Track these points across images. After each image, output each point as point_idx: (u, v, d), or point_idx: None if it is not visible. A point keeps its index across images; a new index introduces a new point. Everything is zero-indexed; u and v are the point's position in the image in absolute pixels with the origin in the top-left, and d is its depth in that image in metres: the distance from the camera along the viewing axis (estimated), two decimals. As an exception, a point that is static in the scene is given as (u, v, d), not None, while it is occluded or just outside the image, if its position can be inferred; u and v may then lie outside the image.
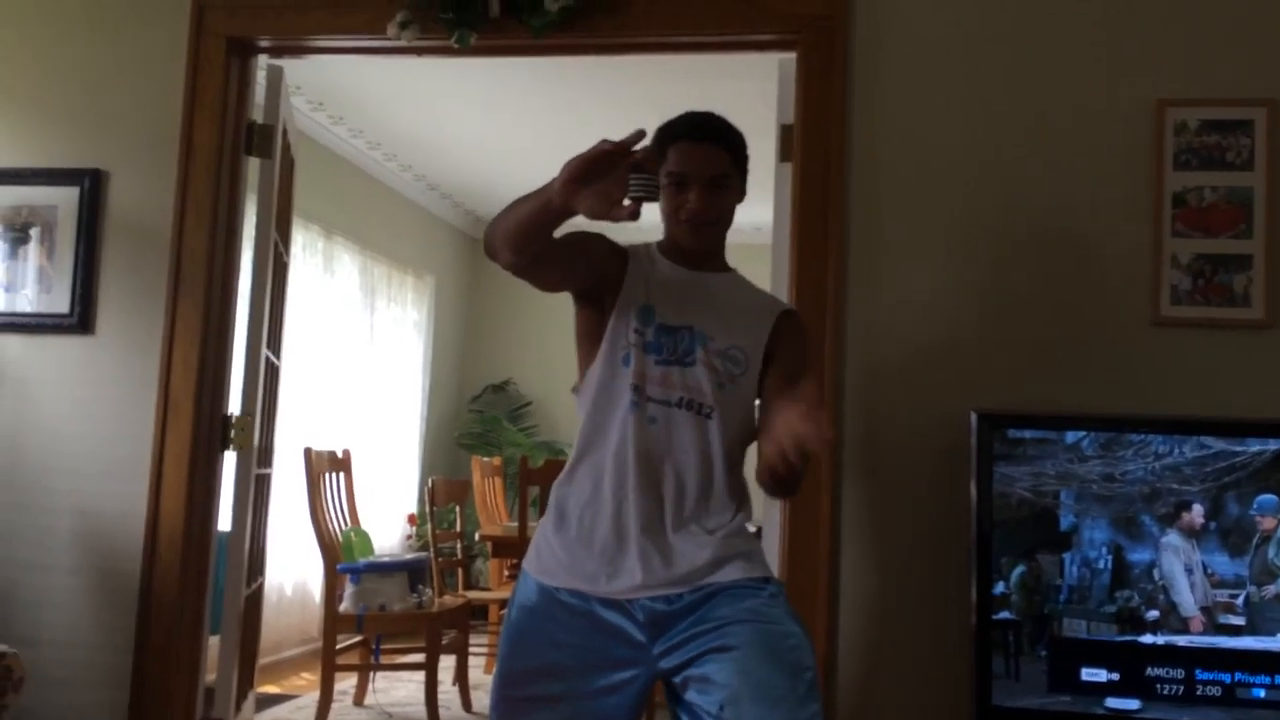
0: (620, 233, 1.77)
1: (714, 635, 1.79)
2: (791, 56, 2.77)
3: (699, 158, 1.92)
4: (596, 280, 1.94)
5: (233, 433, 2.98)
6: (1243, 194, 2.50)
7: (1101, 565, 2.30)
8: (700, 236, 1.97)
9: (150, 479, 2.86)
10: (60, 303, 2.95)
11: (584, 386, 1.98)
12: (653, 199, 1.70)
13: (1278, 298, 2.47)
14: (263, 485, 3.24)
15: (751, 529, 2.00)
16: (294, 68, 3.24)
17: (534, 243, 1.76)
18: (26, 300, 2.98)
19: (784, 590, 1.88)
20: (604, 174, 1.64)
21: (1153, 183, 2.54)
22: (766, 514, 2.74)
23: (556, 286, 1.96)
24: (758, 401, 1.99)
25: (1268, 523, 2.24)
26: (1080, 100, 2.59)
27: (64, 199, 2.97)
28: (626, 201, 1.65)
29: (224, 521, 3.02)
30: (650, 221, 1.85)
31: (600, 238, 1.93)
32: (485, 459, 5.98)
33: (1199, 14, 2.57)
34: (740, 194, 2.00)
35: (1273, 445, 2.26)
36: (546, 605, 1.90)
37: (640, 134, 1.65)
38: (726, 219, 1.99)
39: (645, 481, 1.88)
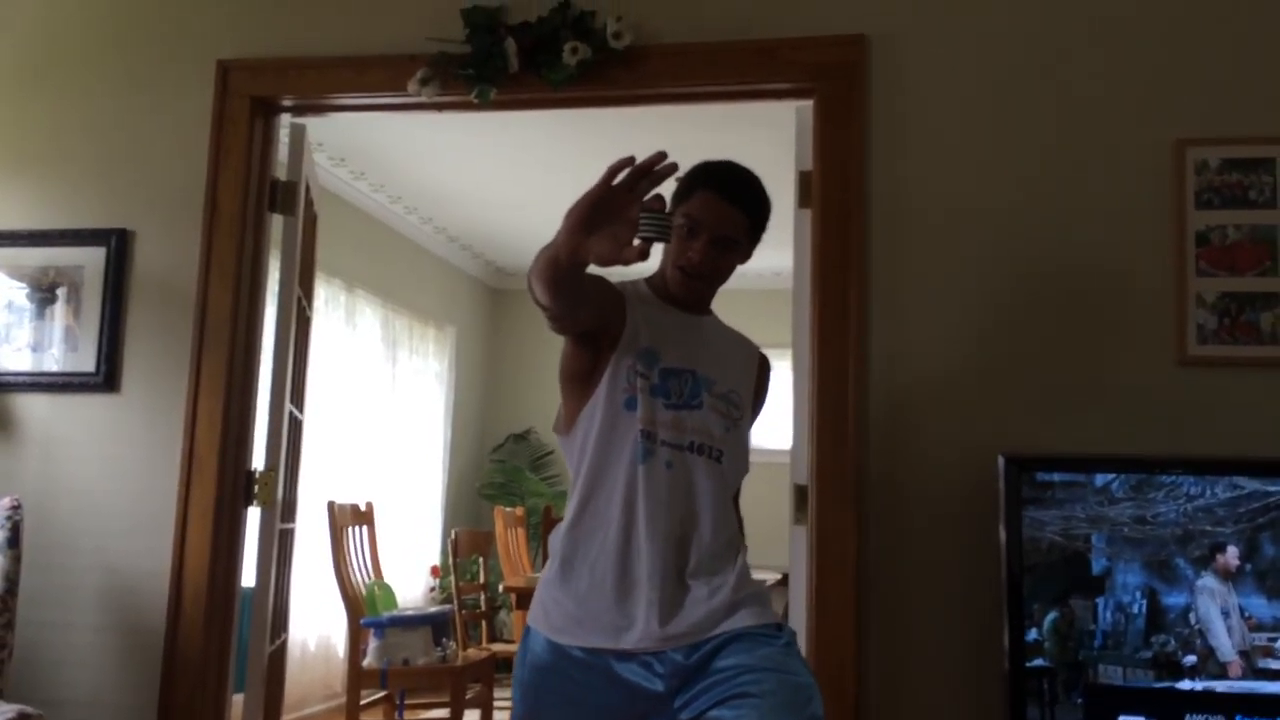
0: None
1: (733, 683, 1.73)
2: (809, 104, 2.79)
3: (718, 213, 1.91)
4: (603, 322, 1.89)
5: (256, 488, 2.98)
6: (1266, 232, 2.49)
7: (1136, 610, 2.26)
8: (689, 287, 1.96)
9: (175, 535, 2.86)
10: (86, 361, 2.98)
11: (577, 429, 1.92)
12: (664, 239, 1.61)
13: (1306, 335, 2.44)
14: (286, 540, 3.24)
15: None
16: (316, 125, 3.29)
17: (564, 296, 1.70)
18: (53, 359, 3.01)
19: (794, 637, 1.85)
20: (612, 215, 1.54)
21: (1175, 222, 2.53)
22: (793, 558, 2.71)
23: (580, 330, 1.89)
24: None
25: (1305, 564, 2.20)
26: (1101, 141, 2.59)
27: (91, 259, 3.01)
28: (636, 241, 1.54)
29: (248, 577, 3.01)
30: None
31: (602, 278, 1.87)
32: (508, 509, 5.97)
33: (1216, 54, 2.58)
34: (745, 258, 2.00)
35: (1307, 485, 2.22)
36: (559, 663, 1.85)
37: (662, 155, 1.54)
38: (721, 277, 1.98)
39: (657, 528, 1.84)
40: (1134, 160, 2.57)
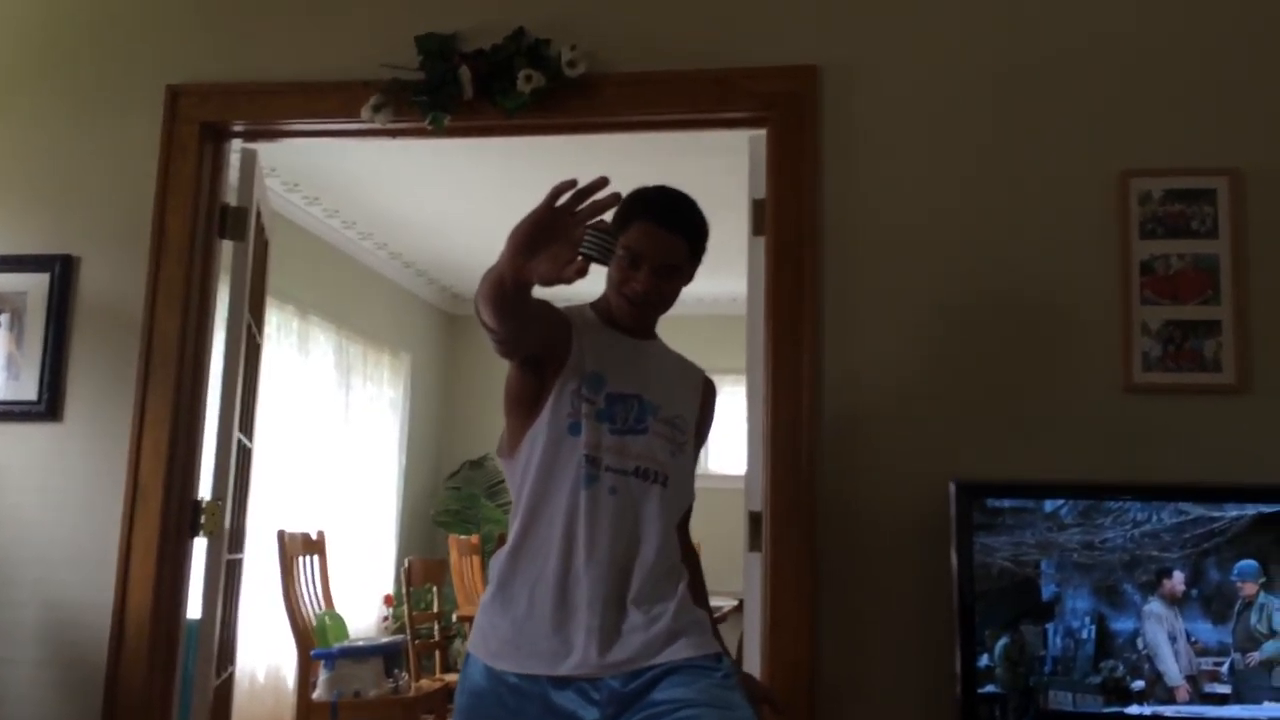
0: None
1: (672, 718, 1.71)
2: (762, 133, 2.81)
3: (659, 243, 1.91)
4: (548, 347, 1.90)
5: (203, 518, 2.92)
6: (1209, 261, 2.54)
7: (1085, 635, 2.28)
8: (637, 315, 1.97)
9: (118, 568, 2.80)
10: (28, 390, 2.92)
11: (520, 453, 1.92)
12: (604, 260, 1.63)
13: (1248, 363, 2.49)
14: (234, 571, 3.18)
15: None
16: (269, 150, 3.26)
17: (509, 318, 1.71)
18: (-6, 387, 2.94)
19: (733, 669, 1.84)
20: (554, 236, 1.56)
21: (1120, 251, 2.57)
22: (748, 585, 2.71)
23: (525, 354, 1.90)
24: None
25: (1248, 589, 2.24)
26: (1048, 171, 2.64)
27: (34, 285, 2.95)
28: (578, 259, 1.56)
29: (194, 609, 2.95)
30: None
31: (547, 303, 1.86)
32: (463, 537, 5.92)
33: (1160, 86, 2.63)
34: (688, 280, 2.01)
35: (1250, 510, 2.26)
36: (495, 689, 1.83)
37: (604, 181, 1.58)
38: (667, 303, 1.99)
39: (598, 554, 1.83)
40: (1080, 190, 2.62)
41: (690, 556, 2.05)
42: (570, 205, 1.56)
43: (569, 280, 1.56)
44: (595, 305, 2.03)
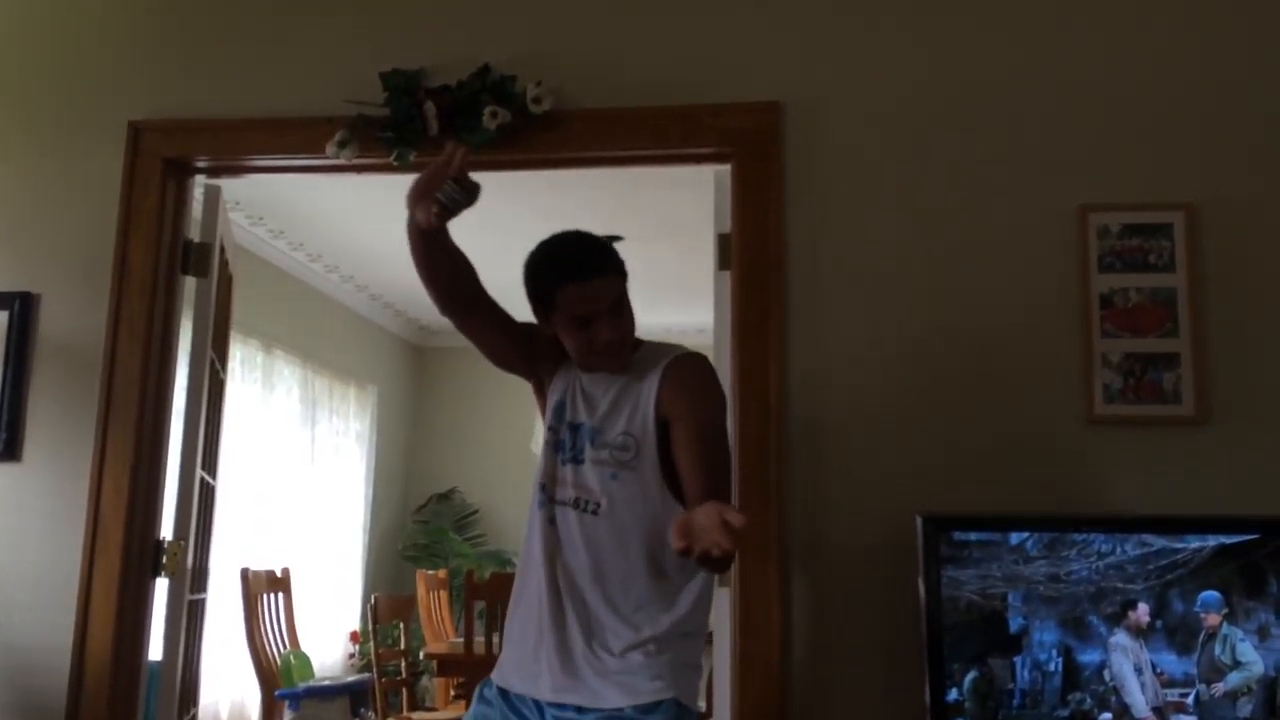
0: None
1: None
2: (726, 168, 2.83)
3: (593, 293, 1.92)
4: (529, 368, 2.11)
5: (164, 558, 2.88)
6: (1166, 294, 2.58)
7: (1052, 668, 2.29)
8: (620, 357, 2.00)
9: (78, 609, 2.75)
10: (-14, 429, 2.87)
11: None
12: (451, 212, 1.90)
13: (1206, 395, 2.52)
14: (196, 611, 3.13)
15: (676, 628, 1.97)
16: (233, 184, 3.24)
17: (437, 275, 1.98)
18: (-50, 426, 2.89)
19: (676, 712, 1.88)
20: (431, 188, 1.88)
21: (1080, 285, 2.60)
22: (717, 618, 2.70)
23: (502, 355, 2.11)
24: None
25: (1212, 619, 2.25)
26: (1007, 205, 2.67)
27: (-8, 323, 2.91)
28: (435, 209, 1.85)
29: (155, 650, 2.90)
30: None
31: (550, 339, 2.04)
32: (430, 572, 5.87)
33: (1116, 121, 2.67)
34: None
35: (1211, 541, 2.28)
36: (501, 704, 1.99)
37: (462, 148, 1.90)
38: (632, 330, 2.03)
39: (553, 584, 1.95)
40: (1039, 224, 2.65)
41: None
42: (442, 165, 1.87)
43: (428, 219, 1.86)
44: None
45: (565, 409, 2.01)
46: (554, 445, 2.00)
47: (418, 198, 1.88)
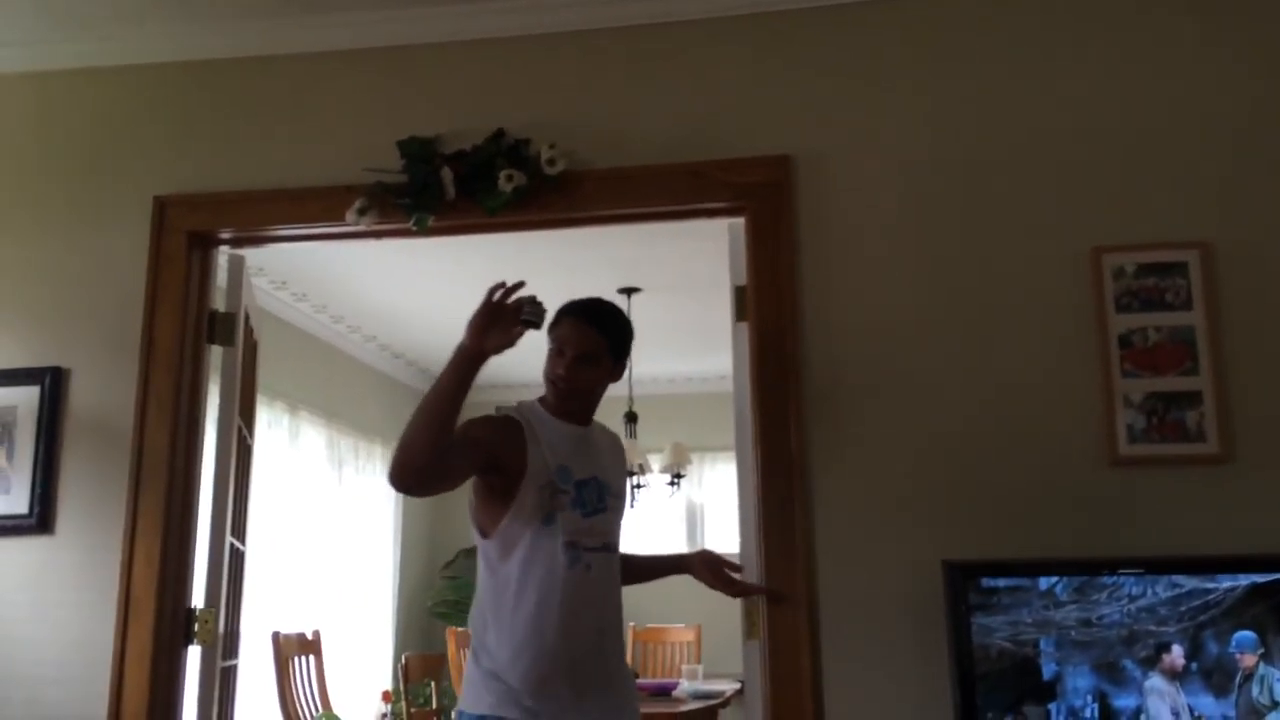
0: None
1: None
2: (740, 221, 2.86)
3: (576, 334, 2.28)
4: (493, 459, 2.20)
5: (196, 626, 2.90)
6: (1185, 333, 2.57)
7: (1088, 714, 2.26)
8: (565, 399, 2.30)
9: (111, 680, 2.77)
10: (19, 503, 2.91)
11: (499, 540, 2.21)
12: (537, 323, 2.12)
13: (1230, 431, 2.51)
14: (228, 678, 3.14)
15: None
16: (257, 251, 3.30)
17: (450, 420, 2.06)
18: (-15, 502, 2.93)
19: None
20: (498, 318, 2.08)
21: (1097, 326, 2.60)
22: (748, 668, 2.69)
23: (459, 481, 2.17)
24: None
25: (1248, 660, 2.23)
26: (1023, 250, 2.68)
27: (24, 399, 2.96)
28: (518, 328, 2.08)
29: (189, 718, 2.91)
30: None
31: (483, 421, 2.24)
32: (460, 628, 5.84)
33: (1129, 162, 2.68)
34: (611, 374, 2.34)
35: (1244, 580, 2.26)
36: None
37: (520, 284, 2.12)
38: (589, 389, 2.33)
39: (581, 628, 2.19)
40: (1053, 268, 2.66)
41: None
42: (504, 296, 2.10)
43: (514, 341, 2.08)
44: (542, 400, 2.34)
45: (570, 470, 2.24)
46: (576, 503, 2.23)
47: (483, 327, 2.07)
